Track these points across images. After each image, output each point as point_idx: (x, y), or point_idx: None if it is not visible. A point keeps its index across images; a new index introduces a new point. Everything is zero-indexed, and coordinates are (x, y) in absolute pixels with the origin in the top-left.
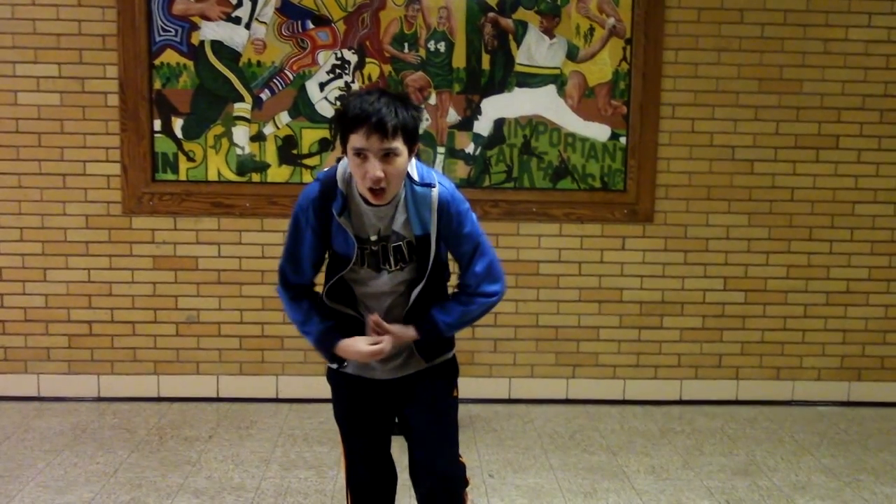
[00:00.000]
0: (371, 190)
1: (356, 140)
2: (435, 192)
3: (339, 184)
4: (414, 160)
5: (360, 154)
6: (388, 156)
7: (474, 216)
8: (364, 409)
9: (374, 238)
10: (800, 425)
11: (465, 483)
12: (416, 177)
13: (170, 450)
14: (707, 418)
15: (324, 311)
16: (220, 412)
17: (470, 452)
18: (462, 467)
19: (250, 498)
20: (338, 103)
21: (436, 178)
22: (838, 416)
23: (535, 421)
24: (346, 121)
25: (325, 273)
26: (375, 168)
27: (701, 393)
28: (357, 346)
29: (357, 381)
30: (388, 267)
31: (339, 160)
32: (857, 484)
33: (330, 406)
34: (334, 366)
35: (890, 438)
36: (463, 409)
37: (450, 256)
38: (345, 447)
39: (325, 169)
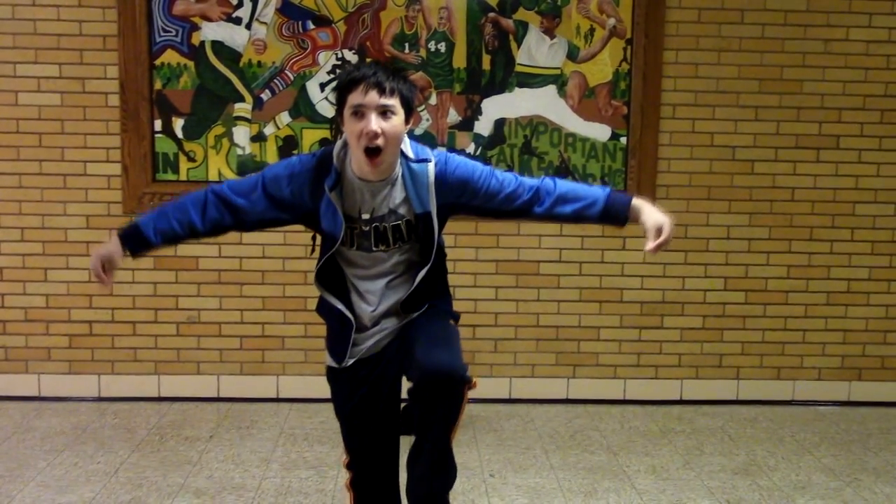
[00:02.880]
0: (367, 151)
1: (354, 98)
2: (431, 166)
3: (335, 160)
4: (408, 140)
5: (358, 112)
6: (385, 113)
7: (473, 161)
8: (367, 399)
9: (365, 217)
10: (800, 425)
11: (468, 380)
12: (411, 154)
13: (170, 449)
14: (707, 418)
15: (168, 238)
16: (220, 412)
17: (470, 452)
18: (465, 367)
19: (251, 498)
20: None
21: (430, 152)
22: (839, 415)
23: (536, 421)
24: (345, 83)
25: (318, 253)
26: (372, 122)
27: (701, 393)
28: (104, 253)
29: (358, 370)
30: (382, 247)
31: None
32: (858, 483)
33: (331, 406)
34: (333, 365)
35: (890, 438)
36: None
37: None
38: (346, 442)
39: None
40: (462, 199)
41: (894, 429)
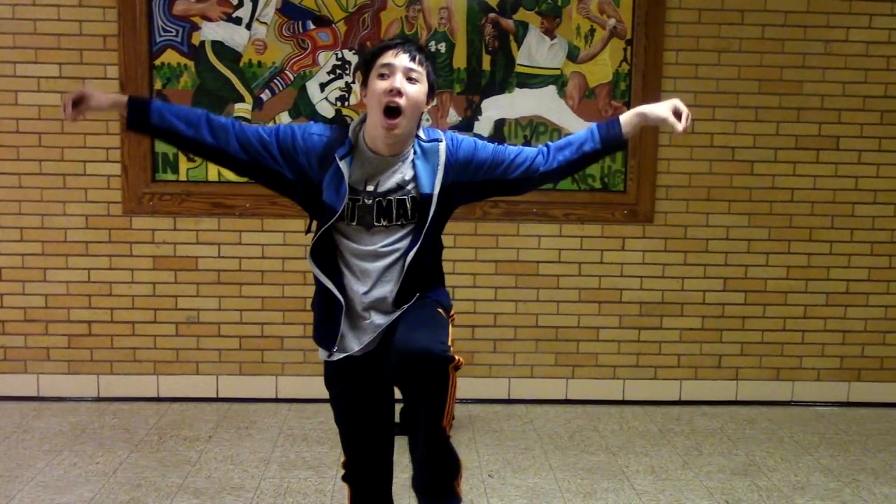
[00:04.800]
0: (387, 111)
1: (384, 59)
2: (442, 146)
3: (350, 133)
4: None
5: (384, 74)
6: (411, 80)
7: (479, 140)
8: (363, 404)
9: (370, 189)
10: (799, 426)
11: (450, 359)
12: (423, 136)
13: (169, 450)
14: (707, 419)
15: (168, 133)
16: (219, 412)
17: (470, 452)
18: (445, 345)
19: (250, 498)
20: (338, 104)
21: (440, 133)
22: (838, 416)
23: (535, 421)
24: (376, 49)
25: (315, 229)
26: (397, 80)
27: (700, 393)
28: (89, 93)
29: (354, 376)
30: (384, 222)
31: None
32: (857, 484)
33: (329, 406)
34: (326, 358)
35: (889, 439)
36: (463, 409)
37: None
38: (343, 443)
39: None
40: (467, 174)
41: (893, 430)
